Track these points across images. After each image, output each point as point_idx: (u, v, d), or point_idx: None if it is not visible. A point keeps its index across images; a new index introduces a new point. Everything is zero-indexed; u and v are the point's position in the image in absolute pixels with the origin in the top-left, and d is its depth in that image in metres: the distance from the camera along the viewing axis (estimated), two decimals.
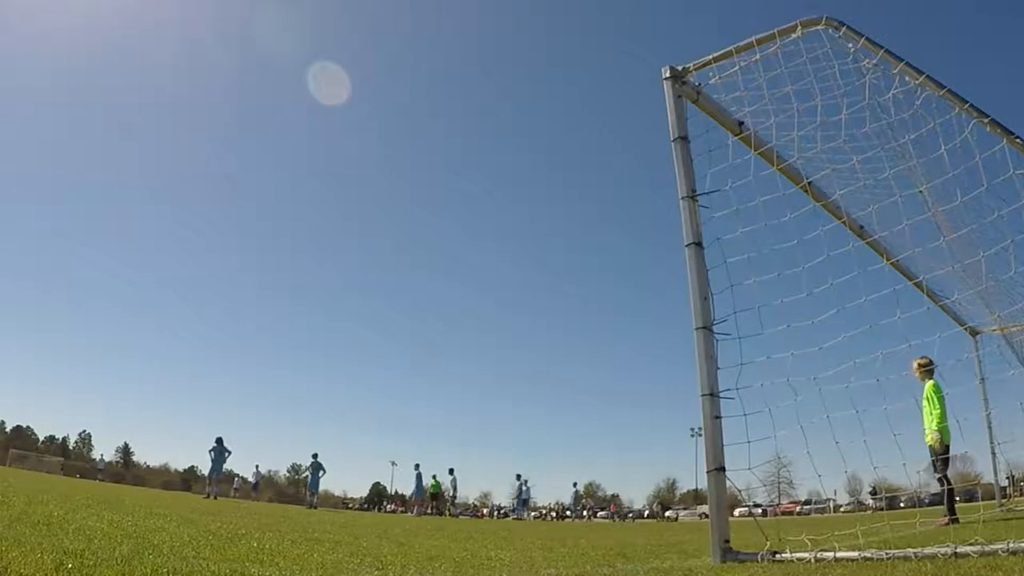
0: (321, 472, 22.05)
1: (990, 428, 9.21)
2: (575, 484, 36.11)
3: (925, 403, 6.86)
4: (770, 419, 3.85)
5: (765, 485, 49.61)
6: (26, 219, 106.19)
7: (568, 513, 33.60)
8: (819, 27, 3.90)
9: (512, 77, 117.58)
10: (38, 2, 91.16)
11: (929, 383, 6.93)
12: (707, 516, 3.96)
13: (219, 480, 19.74)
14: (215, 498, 17.45)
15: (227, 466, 20.82)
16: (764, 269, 4.02)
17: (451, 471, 26.11)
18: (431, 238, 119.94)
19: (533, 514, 30.00)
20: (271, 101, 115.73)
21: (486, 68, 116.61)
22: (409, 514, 23.17)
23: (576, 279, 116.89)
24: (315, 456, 22.32)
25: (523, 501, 29.34)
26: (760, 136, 4.30)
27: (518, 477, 27.66)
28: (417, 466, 25.36)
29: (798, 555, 3.33)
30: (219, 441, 19.23)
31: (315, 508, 19.76)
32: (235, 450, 19.84)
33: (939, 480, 6.81)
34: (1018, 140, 3.27)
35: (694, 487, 63.42)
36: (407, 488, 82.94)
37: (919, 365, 6.91)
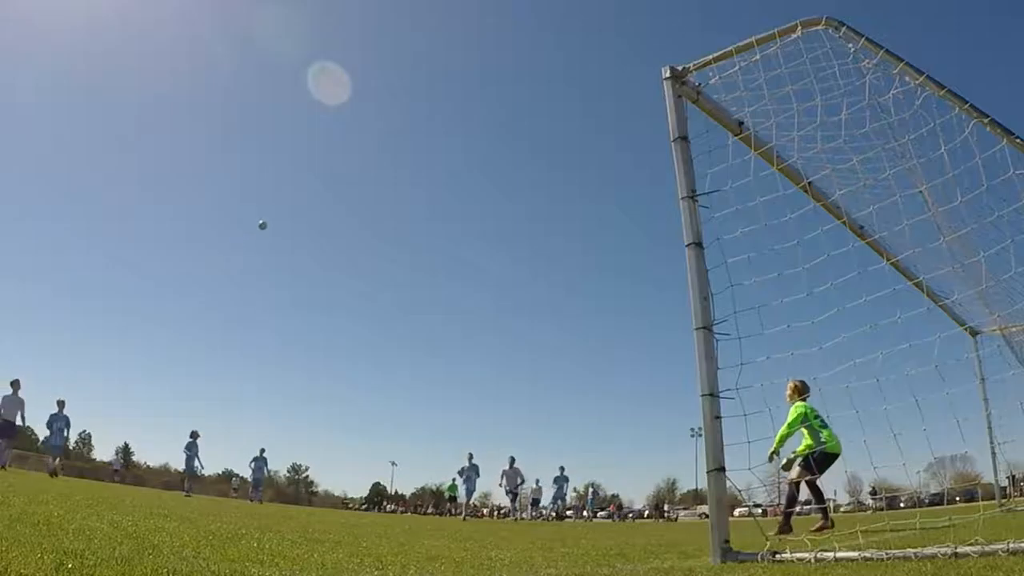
0: (266, 468, 21.99)
1: (990, 428, 9.22)
2: (591, 485, 35.12)
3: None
4: (770, 419, 3.86)
5: (765, 485, 49.51)
6: (26, 219, 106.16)
7: (584, 513, 32.77)
8: (819, 27, 3.90)
9: (512, 77, 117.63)
10: (38, 2, 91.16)
11: (793, 406, 6.80)
12: (707, 516, 3.97)
13: (195, 477, 18.71)
14: (191, 495, 16.31)
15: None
16: (764, 269, 4.03)
17: (454, 479, 25.70)
18: (431, 238, 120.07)
19: (533, 514, 29.84)
20: (271, 101, 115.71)
21: (486, 68, 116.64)
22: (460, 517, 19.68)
23: (576, 279, 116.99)
24: (262, 451, 22.09)
25: (534, 501, 29.25)
26: (760, 136, 4.30)
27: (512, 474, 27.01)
28: (463, 471, 21.16)
29: (798, 555, 3.33)
30: (193, 435, 18.19)
31: (261, 502, 19.27)
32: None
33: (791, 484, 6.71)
34: (1018, 140, 3.27)
35: (694, 487, 63.46)
36: (407, 488, 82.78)
37: (794, 388, 6.81)
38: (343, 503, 69.03)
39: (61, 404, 15.43)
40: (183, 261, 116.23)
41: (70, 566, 1.96)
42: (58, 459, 14.95)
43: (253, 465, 22.27)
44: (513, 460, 19.55)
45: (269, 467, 23.46)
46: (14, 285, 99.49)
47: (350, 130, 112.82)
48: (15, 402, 14.10)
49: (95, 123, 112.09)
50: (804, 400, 6.82)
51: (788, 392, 6.88)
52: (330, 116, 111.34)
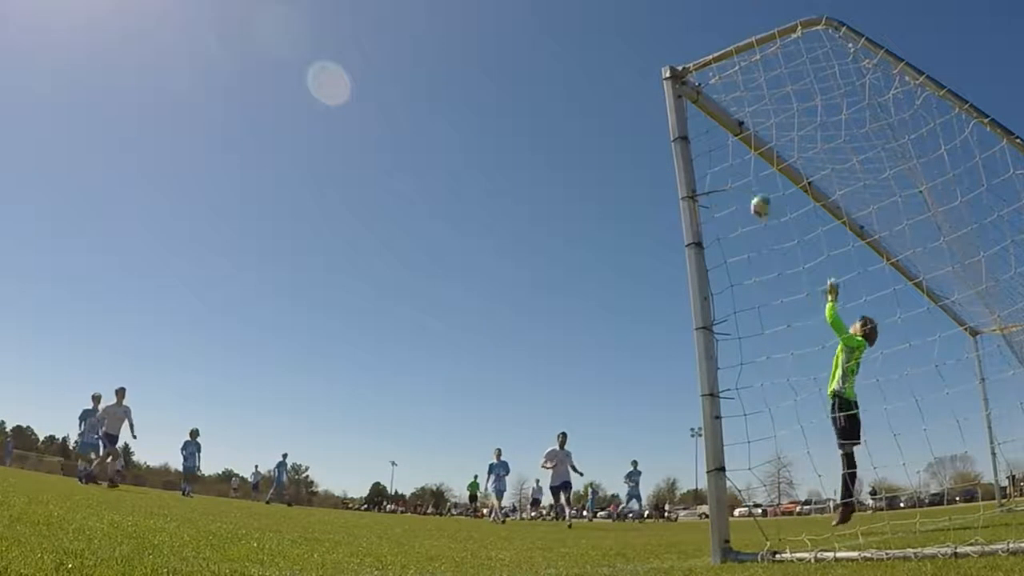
0: (286, 473, 23.39)
1: (990, 428, 9.21)
2: (590, 485, 26.56)
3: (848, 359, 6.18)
4: (770, 419, 3.86)
5: (765, 485, 49.73)
6: (26, 219, 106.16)
7: (584, 513, 26.65)
8: (819, 27, 3.90)
9: (512, 77, 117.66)
10: (38, 2, 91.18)
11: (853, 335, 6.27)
12: (707, 516, 3.96)
13: (195, 477, 18.04)
14: (190, 495, 15.78)
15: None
16: (764, 269, 4.03)
17: (476, 476, 24.00)
18: (431, 238, 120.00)
19: (533, 514, 29.92)
20: (271, 101, 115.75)
21: (486, 68, 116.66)
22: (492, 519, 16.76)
23: (576, 279, 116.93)
24: (285, 456, 24.06)
25: (534, 501, 29.13)
26: (760, 136, 4.30)
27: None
28: (492, 468, 17.77)
29: (798, 555, 3.33)
30: (194, 434, 17.59)
31: (270, 503, 19.35)
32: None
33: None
34: (1018, 140, 3.27)
35: (694, 487, 63.44)
36: (407, 488, 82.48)
37: (864, 323, 6.25)
38: (343, 503, 68.97)
39: (96, 399, 14.29)
40: (182, 261, 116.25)
41: (70, 566, 1.96)
42: (94, 462, 13.68)
43: (276, 470, 24.06)
44: (564, 438, 13.80)
45: (271, 468, 24.17)
46: (14, 285, 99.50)
47: (350, 130, 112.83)
48: (120, 413, 13.05)
49: (95, 122, 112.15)
50: (865, 342, 6.24)
51: (857, 325, 6.30)
52: (330, 116, 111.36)
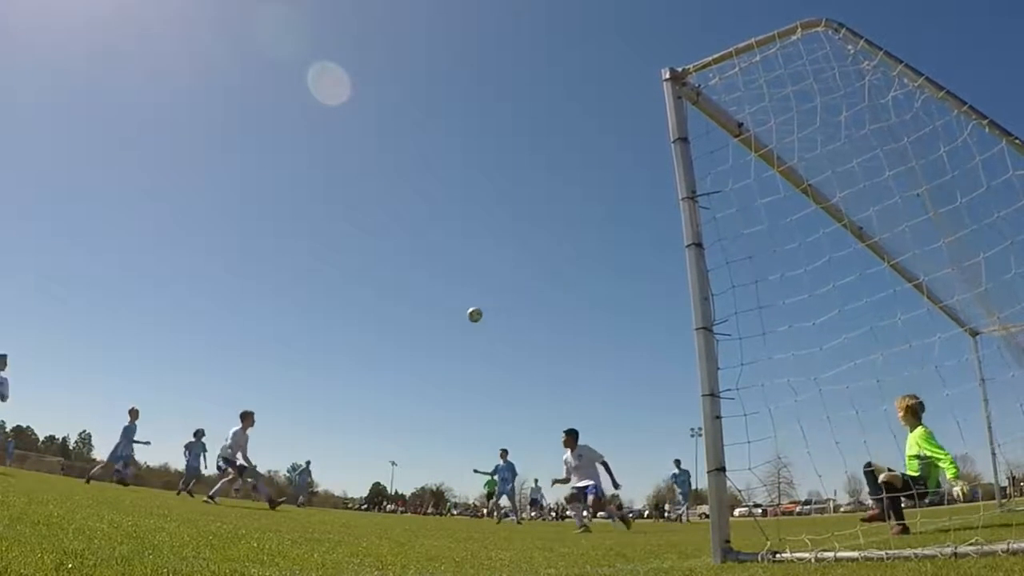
0: (309, 477, 24.47)
1: (990, 428, 9.22)
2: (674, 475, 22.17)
3: (926, 448, 5.71)
4: (770, 419, 3.86)
5: (765, 485, 49.74)
6: (26, 219, 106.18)
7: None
8: (819, 29, 3.91)
9: (512, 77, 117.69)
10: (38, 2, 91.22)
11: (921, 430, 5.83)
12: (707, 516, 3.96)
13: (198, 478, 17.58)
14: (191, 495, 15.69)
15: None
16: (765, 270, 4.03)
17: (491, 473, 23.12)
18: (431, 238, 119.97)
19: (533, 514, 29.86)
20: (271, 101, 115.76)
21: (486, 68, 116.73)
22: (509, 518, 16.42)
23: (576, 279, 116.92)
24: (308, 463, 25.84)
25: (533, 501, 29.06)
26: (760, 138, 4.30)
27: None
28: (497, 469, 16.76)
29: (798, 555, 3.33)
30: (198, 434, 17.24)
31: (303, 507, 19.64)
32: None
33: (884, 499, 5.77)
34: (1017, 141, 3.28)
35: (694, 487, 63.35)
36: (407, 488, 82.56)
37: (908, 407, 5.79)
38: (343, 503, 69.00)
39: (133, 413, 15.49)
40: (183, 261, 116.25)
41: (70, 566, 1.96)
42: (130, 467, 14.81)
43: (298, 476, 25.83)
44: (569, 436, 10.84)
45: (272, 468, 25.11)
46: (14, 285, 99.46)
47: (350, 130, 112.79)
48: (244, 441, 12.02)
49: (95, 123, 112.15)
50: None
51: (902, 412, 5.87)
52: (330, 116, 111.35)
